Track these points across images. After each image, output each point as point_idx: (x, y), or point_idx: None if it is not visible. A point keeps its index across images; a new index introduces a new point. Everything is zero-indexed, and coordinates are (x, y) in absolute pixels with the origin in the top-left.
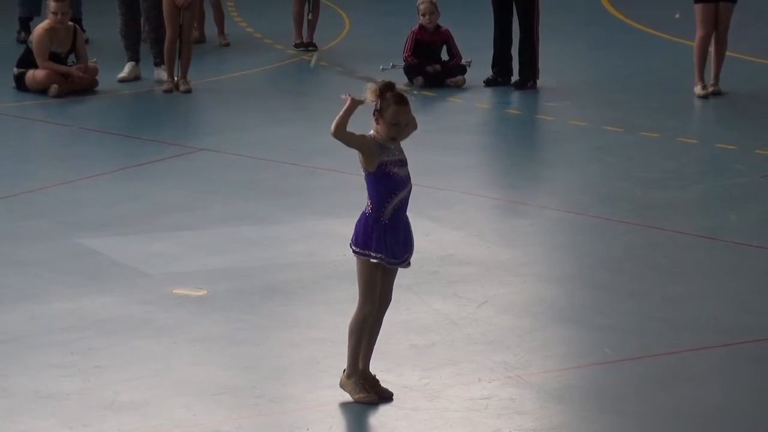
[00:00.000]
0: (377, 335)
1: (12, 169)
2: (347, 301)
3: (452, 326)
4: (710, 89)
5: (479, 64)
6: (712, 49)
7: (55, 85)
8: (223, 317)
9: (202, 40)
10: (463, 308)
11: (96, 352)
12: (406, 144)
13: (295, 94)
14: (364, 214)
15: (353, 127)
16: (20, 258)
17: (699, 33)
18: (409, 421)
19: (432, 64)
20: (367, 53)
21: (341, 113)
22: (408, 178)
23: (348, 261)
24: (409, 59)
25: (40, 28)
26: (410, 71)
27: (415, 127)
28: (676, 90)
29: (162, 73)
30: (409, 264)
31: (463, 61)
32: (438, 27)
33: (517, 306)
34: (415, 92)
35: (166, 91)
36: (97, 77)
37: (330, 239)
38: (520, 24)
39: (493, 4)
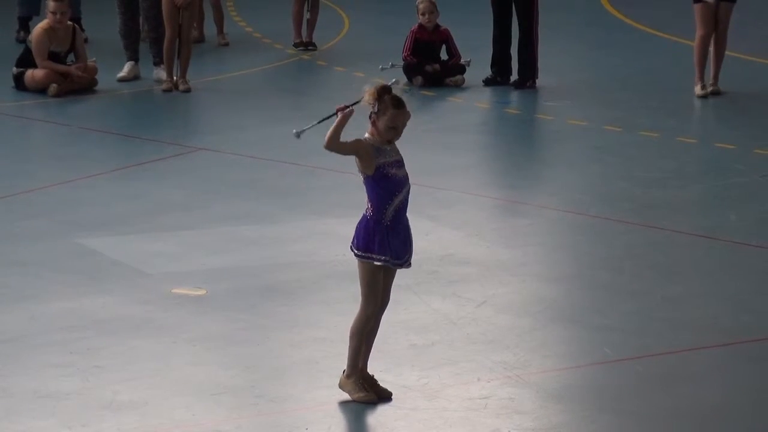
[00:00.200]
0: (375, 335)
1: (11, 169)
2: (347, 301)
3: (451, 326)
4: (709, 89)
5: (478, 63)
6: (711, 48)
7: (54, 85)
8: (223, 317)
9: (201, 39)
10: (462, 308)
11: (95, 352)
12: (405, 144)
13: (294, 94)
14: (365, 216)
15: (352, 128)
16: (20, 258)
17: (699, 32)
18: (408, 421)
19: (431, 63)
20: (366, 53)
21: (334, 126)
22: (406, 178)
23: (348, 261)
24: (408, 59)
25: (39, 27)
26: (409, 71)
27: (408, 116)
28: (676, 90)
29: (161, 73)
30: (410, 264)
31: (462, 60)
32: (437, 26)
33: (517, 306)
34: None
35: (166, 91)
36: (96, 77)
37: (330, 239)
38: (519, 24)
39: (492, 3)
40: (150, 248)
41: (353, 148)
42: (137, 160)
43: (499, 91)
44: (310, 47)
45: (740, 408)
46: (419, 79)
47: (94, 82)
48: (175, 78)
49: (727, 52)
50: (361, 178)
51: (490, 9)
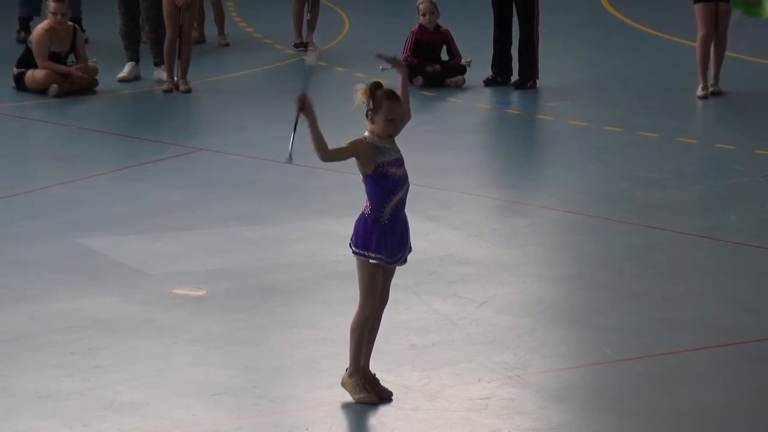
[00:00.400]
0: (377, 334)
1: (12, 169)
2: (347, 301)
3: (452, 326)
4: (710, 89)
5: (479, 64)
6: (711, 49)
7: (54, 85)
8: (223, 317)
9: (201, 40)
10: (462, 308)
11: (96, 352)
12: (405, 144)
13: (294, 94)
14: (363, 214)
15: (353, 128)
16: (20, 258)
17: (700, 32)
18: (409, 421)
19: (432, 64)
20: (366, 53)
21: (311, 137)
22: (405, 177)
23: (348, 261)
24: (408, 59)
25: (39, 28)
26: (410, 71)
27: (409, 117)
28: (676, 90)
29: (162, 73)
30: (405, 261)
31: (462, 61)
32: (438, 27)
33: (517, 306)
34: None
35: (166, 91)
36: (96, 77)
37: (330, 239)
38: (519, 24)
39: (492, 4)
40: (150, 249)
41: (351, 153)
42: (138, 161)
43: (500, 92)
44: (310, 48)
45: (741, 408)
46: (420, 80)
47: (95, 83)
48: (175, 78)
49: (727, 52)
50: (360, 176)
51: (491, 9)
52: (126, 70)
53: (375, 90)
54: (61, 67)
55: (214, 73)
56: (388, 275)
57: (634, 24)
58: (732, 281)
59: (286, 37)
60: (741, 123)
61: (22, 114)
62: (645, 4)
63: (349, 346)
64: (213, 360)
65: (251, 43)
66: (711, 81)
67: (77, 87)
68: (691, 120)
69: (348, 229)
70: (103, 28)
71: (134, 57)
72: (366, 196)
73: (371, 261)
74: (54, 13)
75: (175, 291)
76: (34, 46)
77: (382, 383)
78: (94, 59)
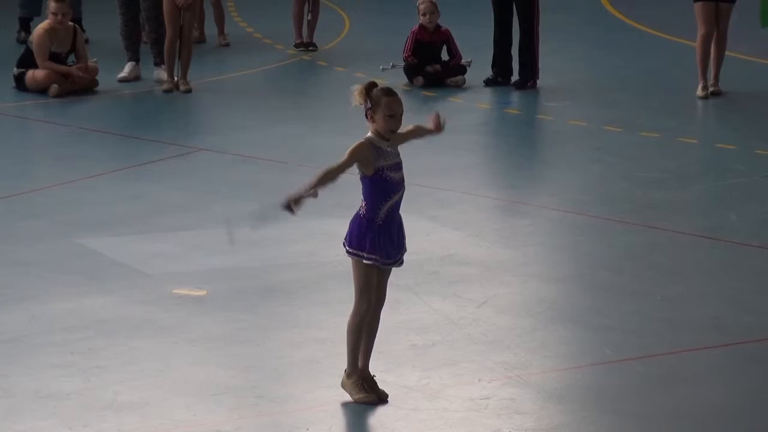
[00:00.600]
0: (376, 334)
1: (12, 169)
2: (347, 301)
3: (452, 326)
4: (710, 89)
5: (479, 64)
6: (712, 48)
7: (55, 85)
8: (223, 317)
9: (202, 40)
10: (463, 308)
11: (96, 352)
12: (405, 144)
13: (295, 94)
14: (358, 214)
15: (353, 130)
16: (21, 258)
17: (700, 31)
18: (409, 421)
19: (432, 64)
20: (367, 53)
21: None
22: (402, 180)
23: (348, 261)
24: (409, 59)
25: (40, 28)
26: (410, 71)
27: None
28: (676, 90)
29: (162, 73)
30: (402, 262)
31: (463, 61)
32: (438, 27)
33: (517, 306)
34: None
35: (166, 91)
36: (97, 77)
37: (330, 239)
38: (520, 24)
39: (493, 4)
40: (150, 249)
41: (352, 162)
42: (138, 161)
43: (500, 92)
44: (310, 48)
45: (741, 408)
46: (420, 80)
47: (95, 83)
48: (175, 78)
49: (727, 52)
50: (359, 174)
51: (491, 9)
52: (126, 70)
53: (371, 89)
54: (62, 67)
55: (215, 73)
56: (384, 275)
57: (634, 24)
58: (732, 281)
59: (286, 37)
60: (741, 123)
61: (23, 114)
62: (645, 4)
63: (346, 345)
64: (213, 360)
65: (251, 43)
66: (711, 81)
67: (77, 87)
68: (691, 120)
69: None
70: (104, 28)
71: (134, 57)
72: (362, 196)
73: (365, 261)
74: (54, 14)
75: (175, 291)
76: (34, 47)
77: (382, 383)
78: (95, 59)
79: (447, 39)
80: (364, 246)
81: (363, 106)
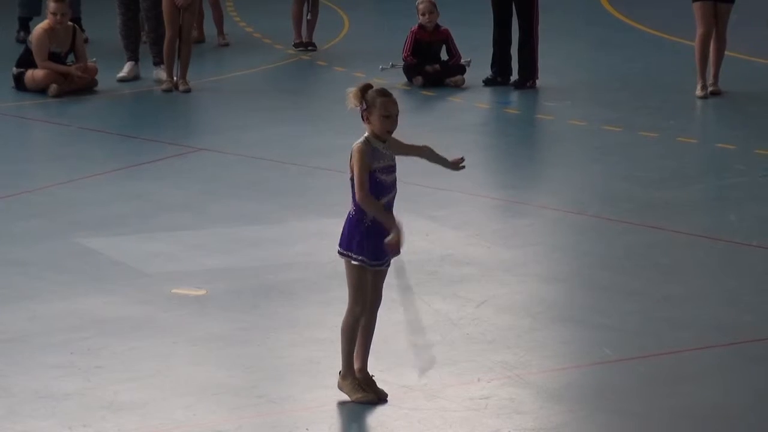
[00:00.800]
0: (372, 335)
1: (11, 169)
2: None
3: (452, 326)
4: (709, 89)
5: (479, 63)
6: (711, 48)
7: (54, 85)
8: (224, 317)
9: (201, 39)
10: (462, 308)
11: (96, 352)
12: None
13: (295, 94)
14: (349, 215)
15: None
16: (20, 258)
17: (699, 31)
18: (409, 421)
19: (431, 63)
20: (366, 53)
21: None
22: (394, 183)
23: None
24: (408, 59)
25: (39, 28)
26: (409, 71)
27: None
28: (676, 90)
29: (161, 73)
30: (389, 265)
31: (462, 60)
32: (437, 27)
33: (517, 306)
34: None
35: (166, 91)
36: (96, 77)
37: (330, 239)
38: (519, 24)
39: (492, 4)
40: (150, 248)
41: (365, 163)
42: (137, 161)
43: (500, 92)
44: (310, 47)
45: (740, 408)
46: (419, 80)
47: (94, 83)
48: (175, 78)
49: (727, 52)
50: (348, 175)
51: (491, 9)
52: (125, 69)
53: (365, 90)
54: (61, 67)
55: (214, 72)
56: (379, 276)
57: (634, 24)
58: (732, 281)
59: (286, 37)
60: (741, 123)
61: (22, 114)
62: (645, 4)
63: (340, 347)
64: (213, 360)
65: (251, 43)
66: (710, 81)
67: (77, 87)
68: (691, 120)
69: None
70: (103, 28)
71: (134, 57)
72: (351, 197)
73: (353, 262)
74: (54, 13)
75: (175, 291)
76: (33, 46)
77: (382, 383)
78: (94, 59)
79: (446, 39)
80: (352, 246)
81: (358, 107)
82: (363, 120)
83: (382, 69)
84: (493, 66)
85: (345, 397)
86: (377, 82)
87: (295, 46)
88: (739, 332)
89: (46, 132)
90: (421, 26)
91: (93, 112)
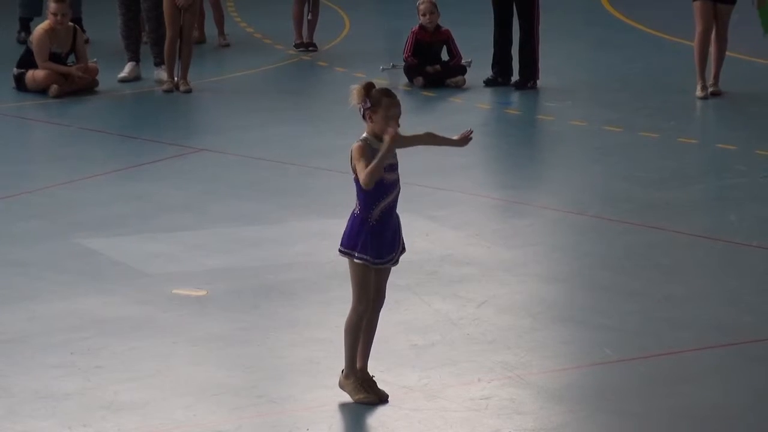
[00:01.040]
0: (374, 334)
1: (12, 170)
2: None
3: (452, 326)
4: (710, 89)
5: (479, 64)
6: (711, 49)
7: (55, 86)
8: (224, 317)
9: (202, 40)
10: (462, 308)
11: (96, 352)
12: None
13: (295, 94)
14: (353, 214)
15: (352, 130)
16: (20, 258)
17: (698, 28)
18: (409, 421)
19: (432, 64)
20: (367, 53)
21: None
22: (397, 181)
23: (347, 261)
24: (409, 59)
25: (40, 28)
26: (410, 71)
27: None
28: (676, 90)
29: (162, 73)
30: (396, 262)
31: (463, 61)
32: (438, 27)
33: (517, 306)
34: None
35: (167, 92)
36: (97, 77)
37: (330, 239)
38: (520, 24)
39: (493, 4)
40: (150, 248)
41: (366, 156)
42: (138, 161)
43: (500, 92)
44: (310, 48)
45: (741, 408)
46: (420, 80)
47: (95, 83)
48: (176, 79)
49: (727, 53)
50: (352, 175)
51: (491, 9)
52: (126, 70)
53: (369, 89)
54: (62, 68)
55: (215, 73)
56: (383, 275)
57: (634, 24)
58: (732, 281)
59: (286, 37)
60: (741, 123)
61: (23, 114)
62: (645, 4)
63: (344, 346)
64: (213, 360)
65: (251, 43)
66: (710, 81)
67: (77, 87)
68: (691, 120)
69: None
70: (104, 28)
71: (135, 57)
72: (356, 196)
73: (356, 261)
74: (54, 14)
75: (175, 291)
76: (34, 47)
77: (382, 383)
78: (95, 59)
79: (447, 39)
80: (356, 245)
81: (361, 106)
82: (364, 119)
83: (383, 69)
84: (493, 66)
85: (345, 397)
86: (379, 83)
87: (296, 46)
88: (739, 332)
89: (47, 132)
90: (421, 27)
91: (94, 113)
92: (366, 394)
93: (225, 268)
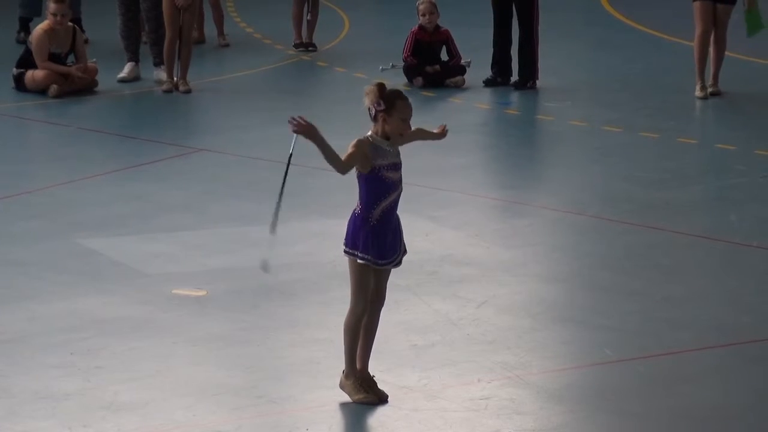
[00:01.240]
0: (374, 335)
1: (11, 170)
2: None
3: (452, 326)
4: (709, 90)
5: (479, 64)
6: (711, 49)
7: (54, 86)
8: (223, 317)
9: (201, 40)
10: (462, 308)
11: (96, 352)
12: (406, 144)
13: (294, 94)
14: (354, 213)
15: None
16: (20, 258)
17: (698, 29)
18: (409, 421)
19: (432, 64)
20: (366, 53)
21: (323, 154)
22: (399, 181)
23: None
24: (408, 59)
25: (39, 28)
26: (410, 71)
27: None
28: (676, 90)
29: (161, 74)
30: (399, 263)
31: (462, 61)
32: (438, 27)
33: (517, 306)
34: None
35: (166, 92)
36: (96, 77)
37: (330, 239)
38: (519, 24)
39: (492, 4)
40: (150, 249)
41: (359, 150)
42: (137, 161)
43: (500, 92)
44: (310, 48)
45: (741, 408)
46: (419, 80)
47: (95, 83)
48: (175, 79)
49: (727, 53)
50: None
51: (491, 10)
52: (126, 70)
53: (384, 90)
54: (61, 68)
55: (214, 73)
56: (383, 276)
57: (634, 24)
58: (732, 281)
59: (286, 37)
60: (741, 123)
61: (22, 114)
62: (645, 4)
63: (343, 346)
64: (213, 360)
65: (251, 43)
66: (710, 82)
67: (77, 87)
68: (691, 120)
69: None
70: (103, 29)
71: (134, 57)
72: (358, 195)
73: (359, 261)
74: (54, 14)
75: (175, 291)
76: (33, 47)
77: (382, 383)
78: (94, 60)
79: (446, 39)
80: (358, 245)
81: (374, 107)
82: (373, 119)
83: (383, 69)
84: (493, 66)
85: (345, 398)
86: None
87: (296, 46)
88: (739, 333)
89: (46, 133)
90: (421, 27)
91: (93, 113)
92: (366, 394)
93: (225, 268)
